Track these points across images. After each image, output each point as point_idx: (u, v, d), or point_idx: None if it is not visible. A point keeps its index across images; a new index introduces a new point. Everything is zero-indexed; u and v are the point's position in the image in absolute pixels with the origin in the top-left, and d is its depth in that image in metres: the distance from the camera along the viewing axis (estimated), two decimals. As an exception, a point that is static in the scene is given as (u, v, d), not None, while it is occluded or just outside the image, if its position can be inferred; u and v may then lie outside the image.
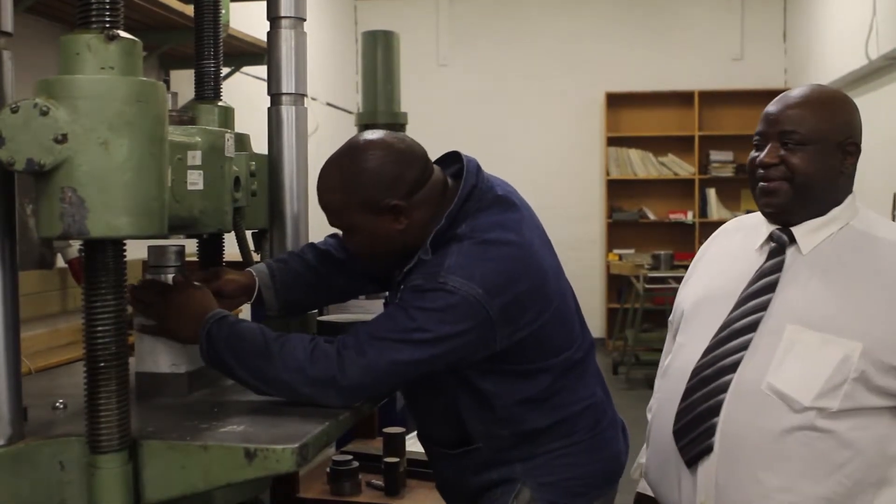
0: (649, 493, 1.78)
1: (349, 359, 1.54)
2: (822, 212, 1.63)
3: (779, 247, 1.66)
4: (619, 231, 8.70)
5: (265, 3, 2.00)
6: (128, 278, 1.36)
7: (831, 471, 1.50)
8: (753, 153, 1.67)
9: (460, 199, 1.67)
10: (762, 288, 1.63)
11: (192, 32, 2.02)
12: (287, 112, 2.00)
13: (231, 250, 2.00)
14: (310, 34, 2.07)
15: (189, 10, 3.12)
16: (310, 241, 2.03)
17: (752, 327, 1.60)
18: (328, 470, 2.48)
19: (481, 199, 1.69)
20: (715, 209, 8.56)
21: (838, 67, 6.69)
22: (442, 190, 1.71)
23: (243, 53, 4.67)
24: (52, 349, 3.59)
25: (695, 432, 1.60)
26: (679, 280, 7.85)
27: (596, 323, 8.39)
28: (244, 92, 4.42)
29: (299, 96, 2.02)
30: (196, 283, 1.71)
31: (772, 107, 1.66)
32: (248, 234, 2.01)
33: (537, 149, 8.58)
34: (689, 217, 8.60)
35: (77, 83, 1.22)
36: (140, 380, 1.68)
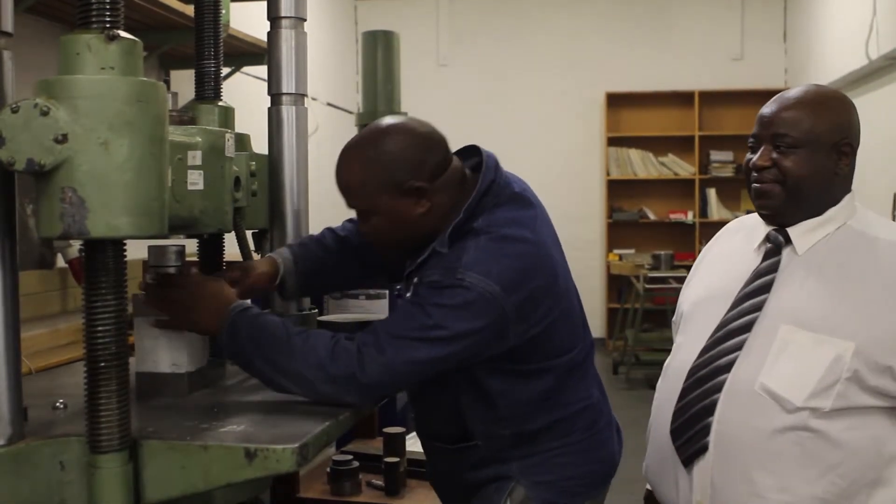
0: None
1: (369, 357, 1.53)
2: (817, 212, 1.63)
3: (775, 247, 1.66)
4: (620, 231, 8.70)
5: (265, 3, 2.00)
6: (128, 278, 1.36)
7: (825, 471, 1.51)
8: (748, 155, 1.67)
9: (479, 193, 1.67)
10: (758, 288, 1.63)
11: (193, 32, 2.02)
12: (287, 112, 2.00)
13: (231, 250, 2.00)
14: (310, 34, 2.08)
15: (189, 10, 3.13)
16: (310, 240, 2.04)
17: (748, 328, 1.60)
18: (328, 470, 2.48)
19: (499, 194, 1.69)
20: (715, 209, 8.56)
21: (838, 67, 6.69)
22: (461, 179, 1.71)
23: (243, 53, 4.67)
24: (53, 349, 3.59)
25: (690, 432, 1.60)
26: (679, 280, 7.85)
27: (596, 323, 8.39)
28: (244, 92, 4.42)
29: (299, 96, 2.02)
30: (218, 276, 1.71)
31: (766, 108, 1.66)
32: (249, 234, 2.00)
33: (537, 149, 8.57)
34: (690, 217, 8.60)
35: (77, 83, 1.22)
36: (140, 380, 1.68)
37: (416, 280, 1.66)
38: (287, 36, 1.99)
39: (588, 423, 1.78)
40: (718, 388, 1.58)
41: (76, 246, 3.56)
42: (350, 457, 2.50)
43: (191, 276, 1.68)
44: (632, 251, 8.52)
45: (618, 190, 8.73)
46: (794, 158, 1.60)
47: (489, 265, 1.58)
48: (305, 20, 2.02)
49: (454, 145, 1.91)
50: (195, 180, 1.65)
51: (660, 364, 1.86)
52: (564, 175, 8.61)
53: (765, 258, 1.66)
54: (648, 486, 1.83)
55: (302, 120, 2.02)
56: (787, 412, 1.52)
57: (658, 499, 1.74)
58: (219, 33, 2.03)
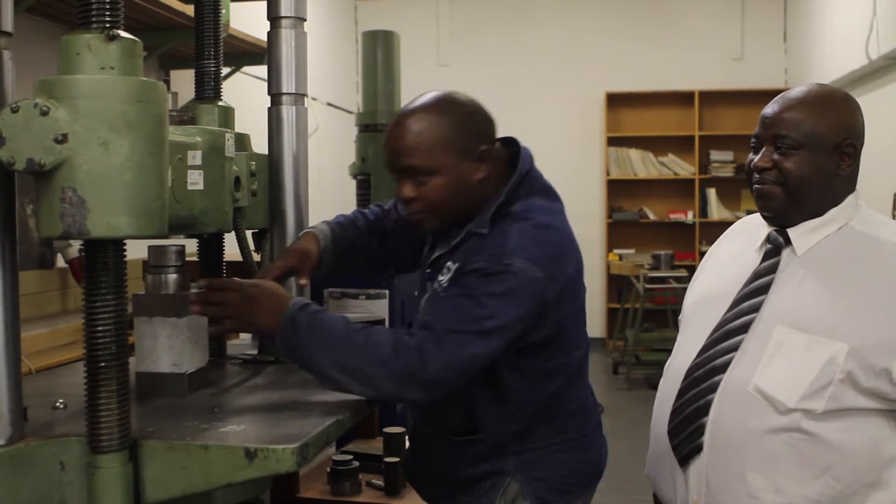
0: None
1: (429, 353, 1.54)
2: (819, 213, 1.62)
3: (774, 248, 1.66)
4: (620, 231, 8.70)
5: (265, 3, 2.00)
6: (128, 278, 1.36)
7: (819, 472, 1.50)
8: (751, 156, 1.67)
9: (518, 178, 1.70)
10: (756, 289, 1.63)
11: (193, 32, 2.02)
12: (287, 112, 2.00)
13: (231, 250, 2.00)
14: (310, 34, 2.07)
15: (189, 10, 3.12)
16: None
17: (744, 329, 1.60)
18: (328, 470, 2.48)
19: (532, 184, 1.73)
20: (715, 209, 8.55)
21: (838, 67, 6.68)
22: (503, 160, 1.74)
23: (243, 53, 4.67)
24: (53, 349, 3.59)
25: (686, 431, 1.61)
26: (679, 280, 7.81)
27: (596, 323, 8.39)
28: (244, 92, 4.42)
29: (300, 96, 2.02)
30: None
31: (768, 108, 1.65)
32: (249, 234, 2.00)
33: (537, 148, 8.33)
34: (690, 217, 8.60)
35: (77, 83, 1.22)
36: (140, 380, 1.68)
37: (450, 264, 1.67)
38: (287, 36, 1.99)
39: (580, 424, 1.80)
40: (713, 389, 1.58)
41: (76, 246, 3.56)
42: (350, 457, 2.50)
43: (238, 279, 1.67)
44: (632, 251, 8.52)
45: (618, 190, 8.73)
46: (794, 160, 1.59)
47: (533, 251, 1.61)
48: (305, 20, 2.02)
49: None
50: (195, 180, 1.65)
51: (660, 364, 1.86)
52: (564, 175, 8.53)
53: (764, 259, 1.66)
54: None
55: (302, 120, 2.02)
56: (779, 414, 1.51)
57: (659, 497, 1.74)
58: (219, 33, 2.03)
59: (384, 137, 1.72)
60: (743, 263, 1.69)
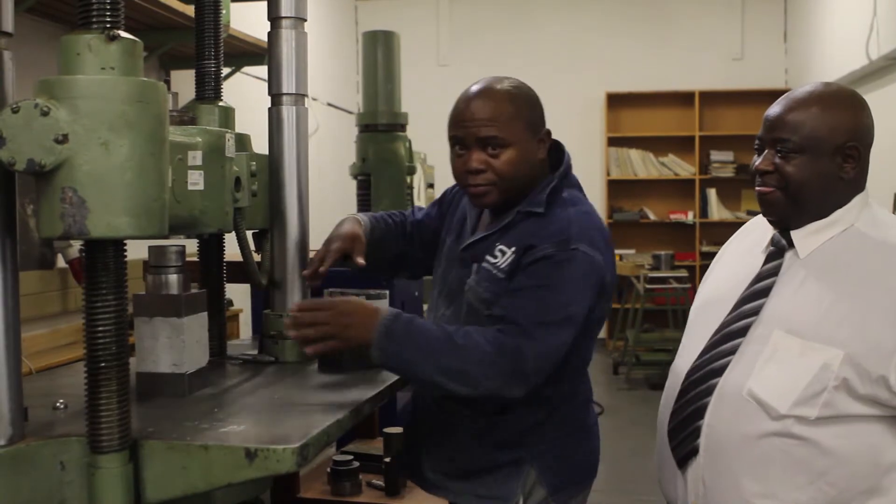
0: None
1: (528, 348, 1.59)
2: (822, 215, 1.59)
3: (777, 250, 1.64)
4: (620, 231, 8.69)
5: (265, 3, 2.00)
6: (128, 278, 1.36)
7: (813, 478, 1.49)
8: (754, 158, 1.65)
9: (566, 166, 1.80)
10: (757, 292, 1.61)
11: (193, 32, 2.02)
12: (287, 112, 2.00)
13: (231, 250, 2.00)
14: (310, 34, 2.07)
15: (189, 10, 3.13)
16: (310, 241, 2.04)
17: (743, 332, 1.59)
18: (328, 470, 2.48)
19: (571, 177, 1.82)
20: (715, 209, 8.55)
21: (839, 67, 6.68)
22: (548, 150, 1.82)
23: (244, 53, 4.67)
24: (53, 349, 3.59)
25: (683, 433, 1.61)
26: (679, 280, 7.78)
27: (596, 323, 8.38)
28: (244, 92, 4.42)
29: (300, 96, 2.02)
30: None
31: (772, 110, 1.63)
32: (249, 234, 2.00)
33: None
34: (690, 217, 8.60)
35: (77, 83, 1.22)
36: (140, 380, 1.68)
37: (503, 247, 1.70)
38: (287, 36, 1.99)
39: (585, 415, 1.86)
40: (710, 392, 1.58)
41: (76, 246, 3.56)
42: (350, 457, 2.50)
43: (328, 298, 1.75)
44: (632, 251, 8.51)
45: (618, 190, 8.73)
46: (795, 164, 1.57)
47: (593, 236, 1.69)
48: (306, 20, 2.02)
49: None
50: (195, 180, 1.65)
51: (660, 364, 1.87)
52: (565, 175, 8.59)
53: (767, 261, 1.64)
54: None
55: (302, 120, 2.02)
56: (772, 419, 1.50)
57: (664, 496, 1.74)
58: (219, 33, 2.03)
59: (452, 111, 1.77)
60: (749, 265, 1.68)
